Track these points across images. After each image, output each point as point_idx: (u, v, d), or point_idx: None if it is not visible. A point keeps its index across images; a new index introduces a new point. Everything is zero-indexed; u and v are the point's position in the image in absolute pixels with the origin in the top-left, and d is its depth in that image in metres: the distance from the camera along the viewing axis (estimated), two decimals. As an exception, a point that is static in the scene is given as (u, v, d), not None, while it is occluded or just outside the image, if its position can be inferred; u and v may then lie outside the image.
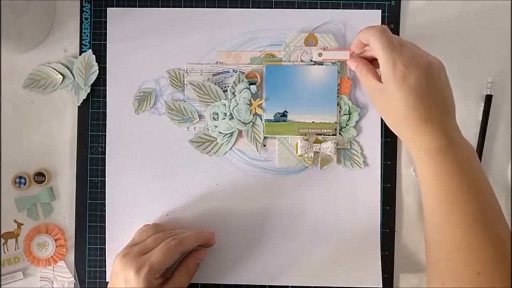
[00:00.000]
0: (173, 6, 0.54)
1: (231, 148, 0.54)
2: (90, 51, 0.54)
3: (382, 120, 0.54)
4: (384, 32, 0.45)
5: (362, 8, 0.54)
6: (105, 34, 0.54)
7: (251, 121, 0.53)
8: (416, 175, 0.54)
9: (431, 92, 0.43)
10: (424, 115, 0.43)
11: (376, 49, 0.44)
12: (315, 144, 0.53)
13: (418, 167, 0.46)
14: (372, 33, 0.45)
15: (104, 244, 0.54)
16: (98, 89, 0.54)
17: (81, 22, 0.54)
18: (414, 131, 0.44)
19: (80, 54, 0.54)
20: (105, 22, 0.54)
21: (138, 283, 0.45)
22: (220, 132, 0.53)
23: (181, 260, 0.50)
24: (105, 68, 0.54)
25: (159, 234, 0.49)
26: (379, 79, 0.47)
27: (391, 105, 0.45)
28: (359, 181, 0.54)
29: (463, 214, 0.42)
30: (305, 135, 0.53)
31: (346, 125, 0.53)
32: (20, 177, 0.54)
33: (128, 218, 0.54)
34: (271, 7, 0.54)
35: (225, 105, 0.53)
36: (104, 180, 0.54)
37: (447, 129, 0.44)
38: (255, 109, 0.53)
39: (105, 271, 0.54)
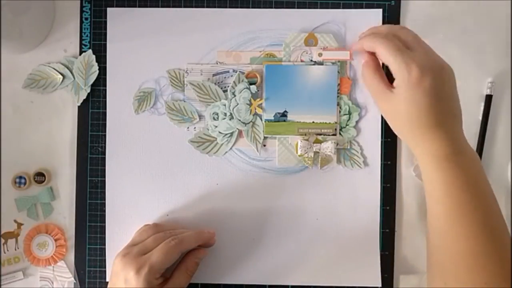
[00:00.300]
0: (173, 6, 0.54)
1: (231, 148, 0.54)
2: (90, 51, 0.54)
3: (382, 120, 0.54)
4: (390, 40, 0.44)
5: (362, 8, 0.54)
6: (105, 34, 0.54)
7: (251, 121, 0.53)
8: (416, 175, 0.54)
9: (443, 96, 0.43)
10: (433, 121, 0.43)
11: (385, 57, 0.44)
12: (315, 144, 0.53)
13: (424, 172, 0.45)
14: (377, 42, 0.45)
15: (104, 244, 0.54)
16: (98, 89, 0.54)
17: (81, 22, 0.54)
18: (422, 136, 0.44)
19: (80, 54, 0.54)
20: (105, 22, 0.54)
21: (138, 283, 0.45)
22: (220, 132, 0.53)
23: (181, 259, 0.50)
24: (105, 68, 0.54)
25: (159, 234, 0.49)
26: (386, 82, 0.46)
27: (401, 109, 0.44)
28: (359, 181, 0.54)
29: (468, 223, 0.42)
30: (305, 135, 0.53)
31: (346, 125, 0.53)
32: (20, 177, 0.54)
33: (128, 218, 0.54)
34: (271, 7, 0.54)
35: (225, 105, 0.53)
36: (104, 180, 0.54)
37: (454, 136, 0.44)
38: (255, 109, 0.53)
39: (105, 271, 0.54)
